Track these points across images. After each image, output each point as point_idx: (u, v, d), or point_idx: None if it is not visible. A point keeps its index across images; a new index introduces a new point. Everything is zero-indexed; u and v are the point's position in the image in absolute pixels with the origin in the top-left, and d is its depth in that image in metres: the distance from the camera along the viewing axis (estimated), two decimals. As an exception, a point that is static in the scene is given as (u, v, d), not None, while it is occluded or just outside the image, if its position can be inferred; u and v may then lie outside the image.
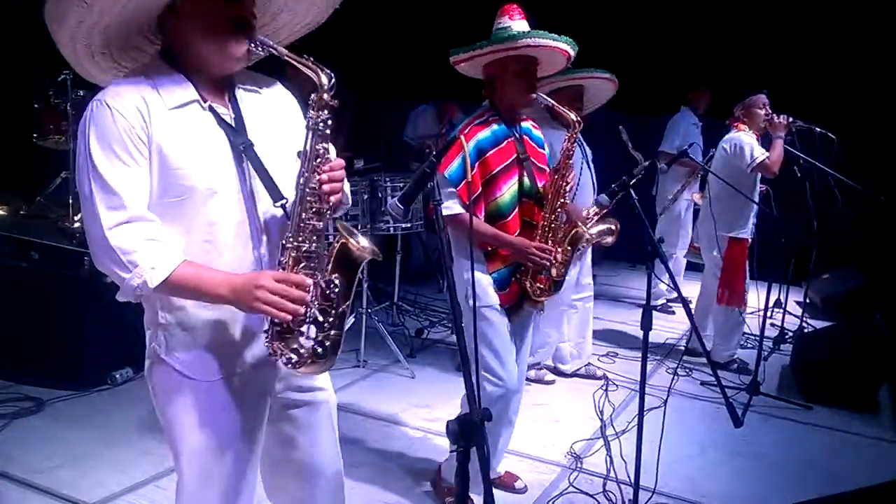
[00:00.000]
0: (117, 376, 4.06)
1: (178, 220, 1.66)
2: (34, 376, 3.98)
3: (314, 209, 1.67)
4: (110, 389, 4.03)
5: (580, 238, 3.07)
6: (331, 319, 1.69)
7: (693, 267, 6.82)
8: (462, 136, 2.77)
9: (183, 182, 1.64)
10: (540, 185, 2.95)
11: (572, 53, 2.87)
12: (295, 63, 1.65)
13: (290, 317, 1.62)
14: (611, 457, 3.48)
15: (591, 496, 3.21)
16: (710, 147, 6.09)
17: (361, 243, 1.71)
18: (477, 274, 2.76)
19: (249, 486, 1.87)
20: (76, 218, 4.47)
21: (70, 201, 4.69)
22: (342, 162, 1.74)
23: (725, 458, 3.67)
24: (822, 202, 4.72)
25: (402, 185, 4.62)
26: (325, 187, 1.66)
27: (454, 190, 2.75)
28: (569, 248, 3.03)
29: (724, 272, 4.75)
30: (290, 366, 1.70)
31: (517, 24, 2.81)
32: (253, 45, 1.66)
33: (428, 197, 1.83)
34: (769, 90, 4.73)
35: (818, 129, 4.51)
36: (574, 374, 4.70)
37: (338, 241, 1.71)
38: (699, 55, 6.92)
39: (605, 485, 3.29)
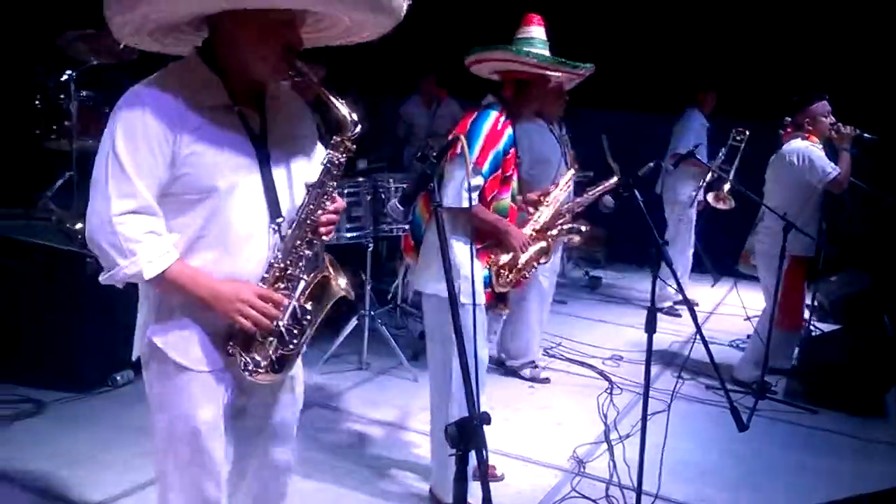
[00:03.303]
0: (118, 378, 4.04)
1: (195, 218, 1.73)
2: (35, 378, 3.96)
3: (307, 239, 1.79)
4: (111, 391, 4.01)
5: (547, 251, 3.22)
6: (295, 341, 1.82)
7: (697, 268, 6.81)
8: (502, 127, 2.87)
9: (204, 181, 1.70)
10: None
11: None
12: (327, 98, 1.75)
13: (255, 329, 1.74)
14: (614, 461, 3.45)
15: (594, 501, 3.17)
16: (718, 148, 6.09)
17: (340, 282, 1.87)
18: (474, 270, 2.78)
19: (220, 478, 1.92)
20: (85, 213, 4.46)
21: (73, 203, 4.68)
22: (344, 205, 1.89)
23: (730, 463, 3.64)
24: (830, 204, 4.66)
25: (405, 185, 4.60)
26: (323, 229, 1.80)
27: (482, 185, 2.84)
28: (538, 256, 3.17)
29: (784, 294, 4.36)
30: (245, 371, 1.80)
31: (542, 32, 2.97)
32: (292, 72, 1.74)
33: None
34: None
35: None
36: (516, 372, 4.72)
37: (321, 273, 1.84)
38: (704, 55, 6.90)
39: (608, 489, 3.26)
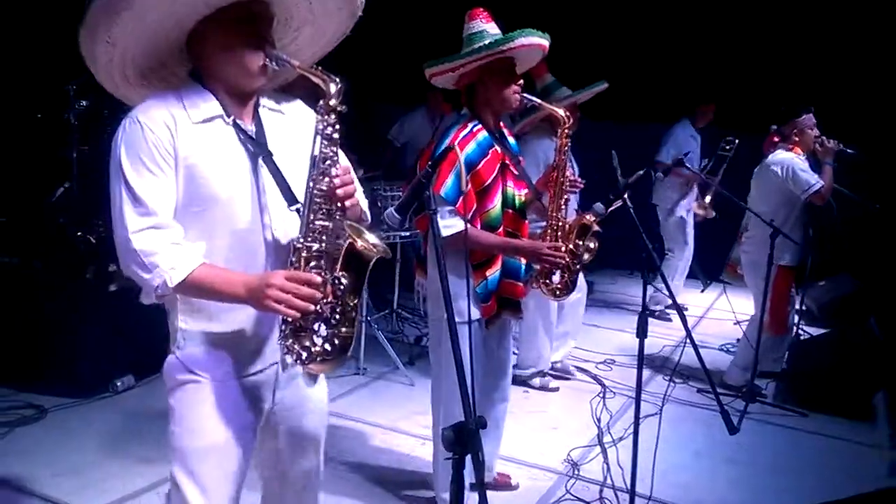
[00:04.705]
0: (119, 384, 4.08)
1: (201, 229, 1.77)
2: (36, 384, 3.99)
3: (323, 211, 1.75)
4: (112, 397, 4.05)
5: (588, 229, 3.07)
6: (338, 316, 1.75)
7: (692, 275, 6.87)
8: (456, 147, 2.70)
9: (205, 192, 1.74)
10: (519, 193, 2.96)
11: (548, 46, 2.84)
12: (306, 74, 1.75)
13: (298, 314, 1.68)
14: (608, 464, 3.50)
15: (588, 503, 3.23)
16: (707, 157, 6.15)
17: (370, 242, 1.76)
18: (461, 289, 2.68)
19: (237, 490, 1.92)
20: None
21: (75, 209, 4.72)
22: (348, 166, 1.82)
23: (721, 466, 3.70)
24: (816, 210, 4.73)
25: (402, 193, 4.65)
26: (340, 192, 1.74)
27: (453, 208, 2.70)
28: (578, 241, 3.05)
29: (773, 301, 4.45)
30: (299, 362, 1.77)
31: (491, 27, 2.79)
32: (268, 59, 1.76)
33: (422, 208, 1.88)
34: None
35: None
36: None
37: (345, 241, 1.76)
38: (701, 65, 6.96)
39: (601, 492, 3.31)
